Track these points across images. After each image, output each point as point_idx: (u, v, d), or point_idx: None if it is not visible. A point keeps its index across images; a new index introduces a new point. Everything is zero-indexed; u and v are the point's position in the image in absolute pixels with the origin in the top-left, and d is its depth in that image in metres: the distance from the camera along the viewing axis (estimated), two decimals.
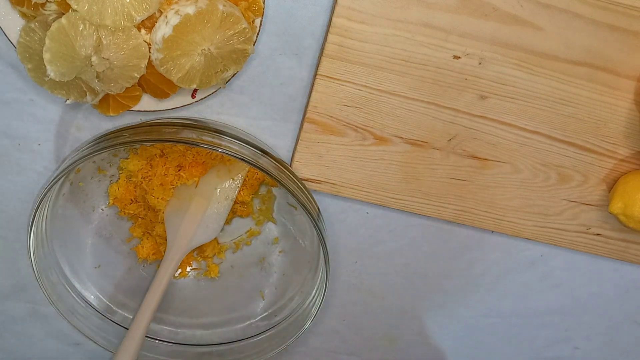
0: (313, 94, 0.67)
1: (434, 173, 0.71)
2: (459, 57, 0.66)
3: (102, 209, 0.75)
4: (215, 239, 0.75)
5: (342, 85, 0.67)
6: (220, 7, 0.60)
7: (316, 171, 0.71)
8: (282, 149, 0.72)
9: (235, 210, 0.75)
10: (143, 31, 0.62)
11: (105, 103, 0.65)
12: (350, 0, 0.64)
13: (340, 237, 0.76)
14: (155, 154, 0.72)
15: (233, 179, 0.72)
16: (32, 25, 0.60)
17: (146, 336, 0.72)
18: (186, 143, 0.62)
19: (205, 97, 0.67)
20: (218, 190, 0.72)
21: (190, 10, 0.59)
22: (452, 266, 0.78)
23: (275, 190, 0.75)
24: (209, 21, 0.60)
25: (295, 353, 0.83)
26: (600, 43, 0.65)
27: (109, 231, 0.75)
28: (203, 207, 0.72)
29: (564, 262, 0.78)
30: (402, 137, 0.69)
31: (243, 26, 0.61)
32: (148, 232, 0.75)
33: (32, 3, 0.60)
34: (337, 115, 0.68)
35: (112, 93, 0.64)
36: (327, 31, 0.65)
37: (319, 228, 0.65)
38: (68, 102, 0.63)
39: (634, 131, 0.70)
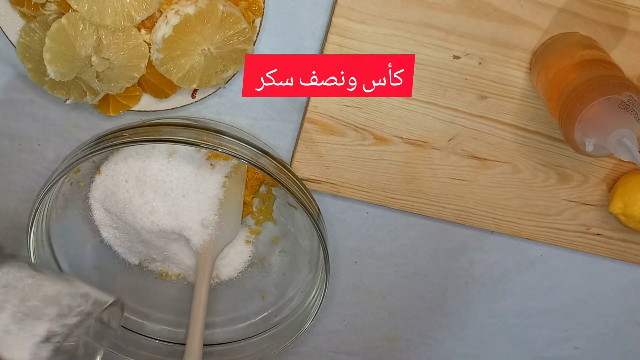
0: None
1: (434, 173, 0.71)
2: (459, 57, 0.66)
3: None
4: None
5: None
6: (220, 7, 0.60)
7: (316, 171, 0.71)
8: (282, 149, 0.72)
9: None
10: (143, 31, 0.62)
11: (105, 103, 0.65)
12: (350, 0, 0.64)
13: (340, 237, 0.76)
14: None
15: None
16: (32, 25, 0.60)
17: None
18: (186, 143, 0.62)
19: (205, 97, 0.67)
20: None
21: (190, 10, 0.59)
22: (452, 266, 0.78)
23: (275, 190, 0.75)
24: (209, 21, 0.60)
25: (295, 353, 0.83)
26: (600, 43, 0.65)
27: None
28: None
29: (564, 262, 0.78)
30: (402, 137, 0.69)
31: (243, 26, 0.61)
32: None
33: (32, 3, 0.60)
34: (337, 115, 0.68)
35: (112, 93, 0.64)
36: (327, 31, 0.65)
37: (319, 228, 0.65)
38: (68, 102, 0.63)
39: None
